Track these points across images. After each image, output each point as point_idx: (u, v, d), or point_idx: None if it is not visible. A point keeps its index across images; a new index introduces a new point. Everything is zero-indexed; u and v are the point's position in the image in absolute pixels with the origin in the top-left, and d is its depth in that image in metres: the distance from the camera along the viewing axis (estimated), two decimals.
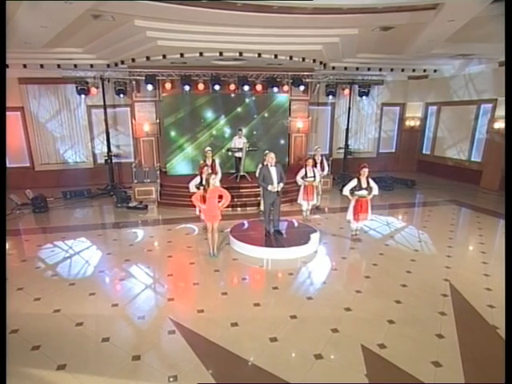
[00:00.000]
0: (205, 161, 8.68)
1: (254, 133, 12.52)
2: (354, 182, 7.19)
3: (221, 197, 6.54)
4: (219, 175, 8.74)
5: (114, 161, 12.35)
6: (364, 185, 7.13)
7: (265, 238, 7.21)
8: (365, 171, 7.12)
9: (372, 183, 7.19)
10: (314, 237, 7.22)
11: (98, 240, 7.77)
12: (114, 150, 12.40)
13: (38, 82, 11.96)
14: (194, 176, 8.01)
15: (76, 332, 4.51)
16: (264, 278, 6.12)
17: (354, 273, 6.25)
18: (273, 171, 7.02)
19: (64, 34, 8.11)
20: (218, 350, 4.15)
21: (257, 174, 8.85)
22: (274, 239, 7.16)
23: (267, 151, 8.73)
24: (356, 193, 7.19)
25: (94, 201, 11.23)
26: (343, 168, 13.40)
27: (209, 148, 9.06)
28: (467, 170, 12.89)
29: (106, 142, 11.77)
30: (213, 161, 8.77)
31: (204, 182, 6.46)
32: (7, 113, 11.89)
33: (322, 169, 9.60)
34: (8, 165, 12.36)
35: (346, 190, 7.29)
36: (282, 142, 12.93)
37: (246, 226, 8.07)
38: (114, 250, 7.24)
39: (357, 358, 3.98)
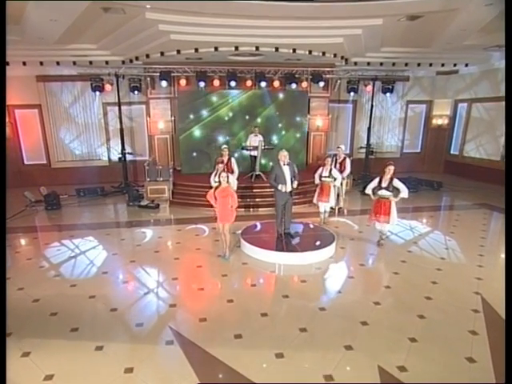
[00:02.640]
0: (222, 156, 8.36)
1: (271, 130, 12.09)
2: (376, 181, 6.67)
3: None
4: (236, 174, 8.42)
5: (128, 159, 12.26)
6: (384, 184, 6.58)
7: (277, 241, 6.81)
8: (390, 169, 6.55)
9: (398, 184, 6.56)
10: (331, 241, 6.75)
11: (105, 239, 7.57)
12: (128, 147, 12.30)
13: (55, 80, 11.99)
14: (210, 174, 7.78)
15: (69, 338, 4.25)
16: (274, 284, 5.72)
17: (373, 282, 5.73)
18: (285, 170, 6.60)
19: (76, 28, 7.98)
20: (218, 364, 3.79)
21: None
22: (287, 243, 6.74)
23: (282, 150, 8.31)
24: (377, 192, 6.66)
25: (107, 199, 11.13)
26: (364, 168, 12.78)
27: (225, 146, 8.73)
28: (500, 171, 11.97)
29: (120, 140, 11.65)
30: (229, 159, 8.42)
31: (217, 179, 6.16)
32: (25, 110, 12.12)
33: (343, 169, 9.02)
34: (25, 162, 12.54)
35: (369, 189, 6.80)
36: (301, 140, 12.45)
37: (259, 227, 7.69)
38: (120, 250, 7.01)
39: (373, 382, 3.52)
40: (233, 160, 8.54)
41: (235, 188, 8.17)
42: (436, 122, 14.26)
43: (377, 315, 4.67)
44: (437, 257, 6.53)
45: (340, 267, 6.23)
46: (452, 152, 14.14)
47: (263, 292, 5.38)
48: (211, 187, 6.61)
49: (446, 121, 14.11)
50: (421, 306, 4.89)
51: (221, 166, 7.41)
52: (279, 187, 6.58)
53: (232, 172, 8.39)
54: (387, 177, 6.56)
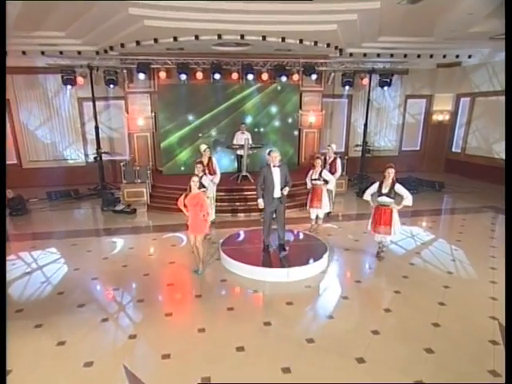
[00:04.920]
0: (201, 159, 7.60)
1: (260, 128, 11.33)
2: (375, 186, 5.91)
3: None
4: (218, 176, 7.66)
5: (106, 158, 11.51)
6: (385, 189, 5.83)
7: (262, 254, 6.04)
8: (390, 173, 5.81)
9: (401, 189, 5.79)
10: (322, 252, 6.00)
11: (69, 251, 6.75)
12: (105, 146, 11.51)
13: (24, 72, 11.10)
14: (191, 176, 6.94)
15: None
16: (256, 308, 4.93)
17: (371, 303, 4.97)
18: (275, 173, 5.81)
19: (34, 12, 7.15)
20: None
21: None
22: (273, 256, 5.97)
23: (270, 149, 7.55)
24: (377, 199, 5.91)
25: (81, 202, 10.31)
26: (360, 168, 12.05)
27: (205, 145, 7.93)
28: None
29: (95, 138, 10.83)
30: (209, 159, 7.66)
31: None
32: None
33: (334, 171, 8.24)
34: None
35: (367, 195, 6.05)
36: (292, 138, 11.70)
37: (242, 237, 6.92)
38: (83, 264, 6.18)
39: None
40: (214, 160, 7.77)
41: (214, 192, 7.43)
42: (436, 117, 13.56)
43: (375, 349, 3.92)
44: (443, 271, 5.79)
45: (333, 285, 5.47)
46: (454, 150, 13.46)
47: (241, 318, 4.60)
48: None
49: (447, 116, 13.42)
50: (427, 335, 4.15)
51: (199, 166, 6.64)
52: (259, 201, 5.88)
53: (214, 174, 7.65)
54: (388, 181, 5.82)
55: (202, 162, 7.23)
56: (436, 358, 3.77)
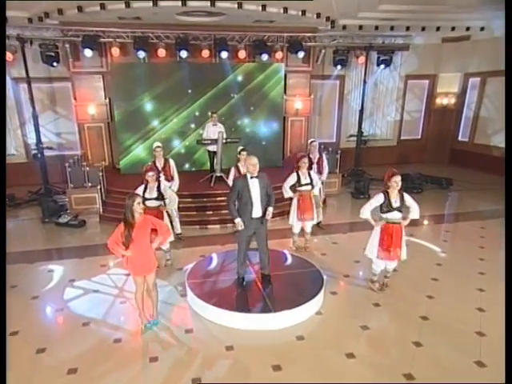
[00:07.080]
0: (154, 162, 6.42)
1: (236, 117, 10.17)
2: (379, 199, 4.84)
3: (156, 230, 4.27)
4: (176, 182, 6.55)
5: (52, 154, 10.10)
6: (396, 203, 4.83)
7: (239, 290, 4.97)
8: (397, 181, 4.79)
9: (410, 201, 4.90)
10: (318, 285, 4.98)
11: None
12: (49, 139, 10.15)
13: None
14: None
15: None
16: (230, 376, 3.85)
17: (385, 364, 3.95)
18: (254, 186, 4.69)
19: None
20: None
21: (229, 181, 6.52)
22: (253, 293, 4.92)
23: (241, 148, 6.39)
24: (384, 216, 4.88)
25: (18, 211, 8.98)
26: (355, 162, 11.07)
27: (158, 144, 6.76)
28: None
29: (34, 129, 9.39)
30: (165, 161, 6.53)
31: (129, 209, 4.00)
32: None
33: (320, 171, 7.17)
34: None
35: (367, 212, 4.94)
36: (275, 128, 10.59)
37: (215, 263, 5.80)
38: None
39: None
40: (171, 163, 6.64)
41: (176, 205, 6.26)
42: (441, 101, 12.71)
43: None
44: (472, 307, 4.83)
45: (331, 334, 4.42)
46: (460, 138, 12.66)
47: None
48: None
49: (452, 100, 12.56)
50: None
51: (152, 175, 5.49)
52: (236, 221, 4.73)
53: (172, 179, 6.53)
54: (395, 192, 4.81)
55: (153, 168, 6.03)
56: None
